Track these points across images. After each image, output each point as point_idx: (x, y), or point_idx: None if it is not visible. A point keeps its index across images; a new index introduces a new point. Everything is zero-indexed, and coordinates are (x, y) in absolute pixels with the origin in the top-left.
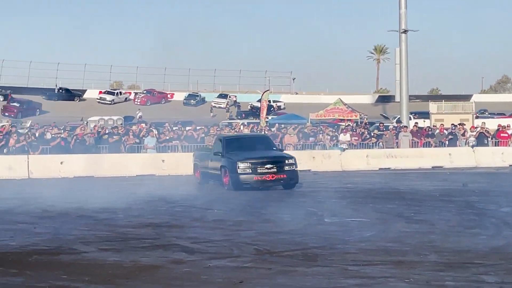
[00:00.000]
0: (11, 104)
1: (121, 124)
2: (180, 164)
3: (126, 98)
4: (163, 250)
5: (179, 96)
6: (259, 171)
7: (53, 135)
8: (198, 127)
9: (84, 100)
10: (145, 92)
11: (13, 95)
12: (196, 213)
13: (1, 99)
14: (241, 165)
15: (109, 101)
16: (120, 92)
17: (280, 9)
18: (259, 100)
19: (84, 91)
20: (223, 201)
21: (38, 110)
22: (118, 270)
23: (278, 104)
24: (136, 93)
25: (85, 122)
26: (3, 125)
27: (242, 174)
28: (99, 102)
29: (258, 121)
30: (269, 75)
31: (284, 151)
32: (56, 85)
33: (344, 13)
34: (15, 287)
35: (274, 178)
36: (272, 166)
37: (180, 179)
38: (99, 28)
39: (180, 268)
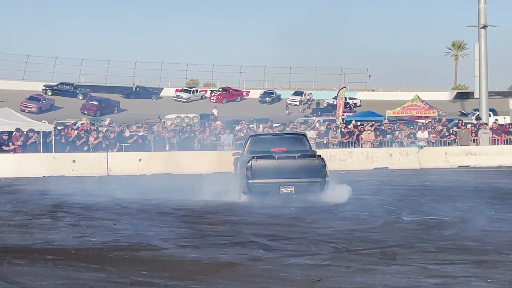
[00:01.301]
0: (90, 102)
1: (197, 121)
2: None
3: (202, 96)
4: (241, 247)
5: (255, 94)
6: None
7: (131, 133)
8: (274, 125)
9: (161, 98)
10: (220, 89)
11: (92, 94)
12: (272, 210)
13: (81, 98)
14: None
15: (186, 99)
16: (196, 90)
17: (356, 5)
18: (335, 98)
19: (161, 89)
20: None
21: (116, 108)
22: (197, 267)
23: (354, 101)
24: (212, 91)
25: (162, 120)
26: (82, 123)
27: None
28: (175, 100)
29: (334, 118)
30: (345, 72)
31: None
32: (133, 84)
33: (422, 8)
34: (98, 283)
35: None
36: None
37: None
38: (177, 25)
39: (259, 266)
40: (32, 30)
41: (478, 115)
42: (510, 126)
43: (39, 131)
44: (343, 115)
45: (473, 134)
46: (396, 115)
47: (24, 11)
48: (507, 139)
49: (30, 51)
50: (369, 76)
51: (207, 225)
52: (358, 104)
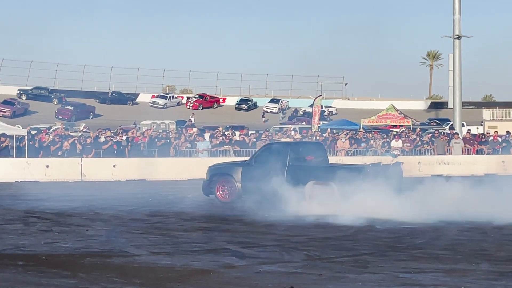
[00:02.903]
0: (65, 107)
1: (174, 128)
2: None
3: (178, 102)
4: (214, 255)
5: (231, 101)
6: None
7: (106, 139)
8: (250, 132)
9: (137, 104)
10: (197, 96)
11: (67, 98)
12: (247, 218)
13: (56, 102)
14: None
15: (162, 105)
16: (173, 96)
17: (332, 14)
18: (311, 105)
19: (137, 95)
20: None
21: (91, 113)
22: (169, 274)
23: (330, 109)
24: (188, 97)
25: (138, 126)
26: (57, 128)
27: None
28: (151, 106)
29: (310, 126)
30: (321, 80)
31: None
32: (109, 89)
33: (397, 18)
34: None
35: None
36: None
37: None
38: (152, 32)
39: (231, 273)
40: (7, 33)
41: (452, 125)
42: (483, 137)
43: (12, 136)
44: (319, 123)
45: (447, 144)
46: (371, 123)
47: None
48: (479, 149)
49: (4, 54)
50: (345, 85)
51: (181, 232)
52: (334, 113)
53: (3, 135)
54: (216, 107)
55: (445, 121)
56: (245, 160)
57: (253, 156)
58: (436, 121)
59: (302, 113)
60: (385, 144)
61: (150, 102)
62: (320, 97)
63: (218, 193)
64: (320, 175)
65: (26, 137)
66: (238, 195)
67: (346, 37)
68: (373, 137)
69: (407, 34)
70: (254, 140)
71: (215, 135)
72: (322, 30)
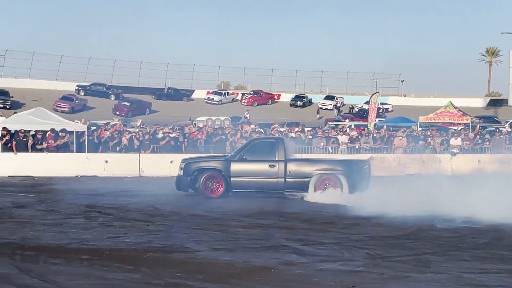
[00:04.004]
0: (122, 103)
1: (228, 124)
2: None
3: (233, 99)
4: (273, 251)
5: (286, 97)
6: None
7: (163, 134)
8: (306, 129)
9: (192, 100)
10: (252, 92)
11: (124, 94)
12: (305, 215)
13: (113, 98)
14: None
15: (217, 101)
16: (228, 93)
17: (389, 10)
18: (367, 102)
19: (192, 91)
20: (333, 205)
21: (147, 109)
22: (231, 270)
23: (386, 106)
24: (243, 94)
25: (194, 122)
26: (114, 124)
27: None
28: (206, 102)
29: (366, 123)
30: (377, 77)
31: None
32: (165, 85)
33: (456, 14)
34: (133, 283)
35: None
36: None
37: None
38: (207, 28)
39: (292, 270)
40: (66, 30)
41: None
42: None
43: (73, 131)
44: (375, 120)
45: (507, 142)
46: (429, 121)
47: (57, 11)
48: None
49: (64, 51)
50: (402, 82)
51: (240, 228)
52: (389, 110)
53: (63, 130)
54: (270, 104)
55: (488, 118)
56: (226, 155)
57: (239, 151)
58: (482, 118)
59: (357, 110)
60: (444, 142)
61: (205, 99)
62: (377, 94)
63: (204, 188)
64: (326, 167)
65: (85, 132)
66: (226, 190)
67: (402, 33)
68: (431, 135)
69: (466, 30)
70: (310, 137)
71: (271, 132)
72: (377, 26)
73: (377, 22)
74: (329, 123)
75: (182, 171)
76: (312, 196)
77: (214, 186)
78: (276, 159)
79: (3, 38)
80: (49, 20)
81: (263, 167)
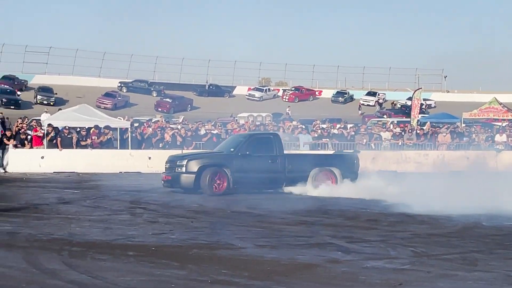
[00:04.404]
0: (164, 99)
1: (270, 120)
2: None
3: (274, 95)
4: (318, 249)
5: (327, 94)
6: (165, 170)
7: (206, 131)
8: (349, 125)
9: (233, 96)
10: (293, 89)
11: (166, 91)
12: (349, 212)
13: (155, 95)
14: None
15: (258, 97)
16: (269, 89)
17: (430, 5)
18: (410, 98)
19: (233, 88)
20: (376, 202)
21: (189, 106)
22: (276, 267)
23: (429, 102)
24: (284, 90)
25: (235, 118)
26: (157, 120)
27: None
28: (248, 98)
29: (409, 119)
30: (419, 72)
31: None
32: (206, 82)
33: (499, 7)
34: (179, 280)
35: (165, 179)
36: (168, 166)
37: None
38: (248, 25)
39: (338, 268)
40: (108, 27)
41: None
42: None
43: (116, 128)
44: (418, 116)
45: None
46: (473, 117)
47: (101, 9)
48: None
49: (106, 48)
50: (445, 77)
51: (284, 225)
52: (432, 106)
53: (107, 127)
54: (312, 100)
55: None
56: (221, 151)
57: (239, 146)
58: None
59: (400, 106)
60: (489, 138)
61: (246, 95)
62: (420, 90)
63: (208, 185)
64: (322, 162)
65: (129, 129)
66: (228, 187)
67: (444, 29)
68: (475, 131)
69: (510, 24)
70: (353, 133)
71: (313, 128)
72: (419, 21)
73: (419, 17)
74: (371, 119)
75: (183, 168)
76: (312, 190)
77: (217, 182)
78: (276, 154)
79: (47, 35)
80: (92, 17)
81: (265, 162)
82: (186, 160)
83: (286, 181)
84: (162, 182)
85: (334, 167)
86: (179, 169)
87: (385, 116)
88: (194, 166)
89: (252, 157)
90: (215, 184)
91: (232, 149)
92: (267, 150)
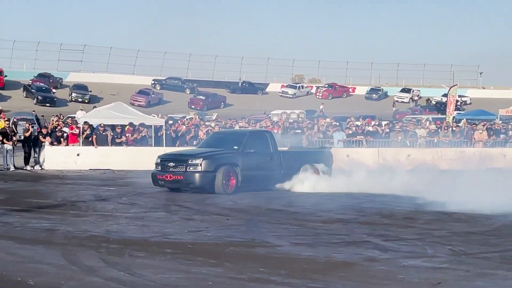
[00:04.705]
0: (197, 97)
1: (303, 118)
2: (363, 159)
3: (307, 92)
4: (355, 247)
5: (361, 90)
6: (165, 169)
7: (240, 128)
8: (383, 122)
9: (266, 93)
10: (326, 86)
11: (199, 88)
12: (384, 210)
13: (188, 92)
14: (156, 161)
15: (291, 94)
16: (302, 86)
17: (466, 0)
18: (445, 95)
19: (266, 85)
20: (410, 199)
21: (222, 103)
22: (313, 265)
23: (464, 99)
24: (317, 87)
25: (269, 115)
26: (191, 118)
27: (154, 170)
28: (281, 95)
29: (444, 116)
30: (454, 69)
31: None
32: (239, 79)
33: None
34: (217, 278)
35: (171, 179)
36: (174, 165)
37: (360, 174)
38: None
39: (375, 266)
40: (141, 25)
41: None
42: None
43: (150, 125)
44: (454, 113)
45: None
46: (509, 114)
47: (133, 7)
48: None
49: (140, 46)
50: (480, 74)
51: (319, 223)
52: (468, 102)
53: (142, 125)
54: (345, 97)
55: None
56: (215, 149)
57: (241, 144)
58: None
59: (435, 103)
60: None
61: (279, 92)
62: (456, 86)
63: (223, 184)
64: (310, 158)
65: (163, 126)
66: (237, 185)
67: (479, 25)
68: None
69: None
70: (388, 130)
71: (347, 125)
72: (454, 17)
73: (454, 13)
74: (406, 116)
75: (199, 167)
76: (302, 186)
77: (229, 181)
78: (272, 151)
79: (81, 33)
80: (126, 15)
81: (266, 159)
82: (201, 159)
83: (282, 177)
84: (161, 182)
85: (318, 163)
86: (192, 168)
87: (416, 113)
88: (211, 165)
89: (255, 155)
90: (228, 183)
91: (236, 147)
92: (265, 148)
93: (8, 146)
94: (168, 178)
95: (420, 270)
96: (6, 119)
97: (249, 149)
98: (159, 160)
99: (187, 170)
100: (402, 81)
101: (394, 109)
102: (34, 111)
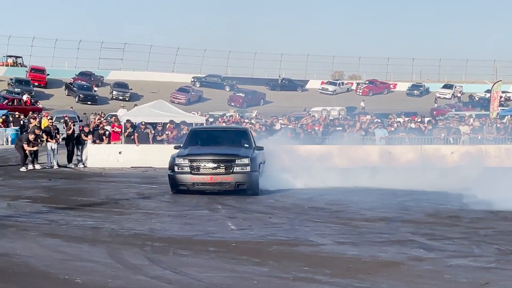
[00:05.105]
0: (236, 94)
1: (344, 114)
2: (404, 156)
3: (348, 89)
4: (400, 246)
5: (402, 86)
6: (201, 170)
7: (281, 126)
8: (426, 119)
9: (306, 90)
10: (367, 82)
11: (239, 86)
12: (428, 208)
13: (228, 89)
14: (177, 161)
15: (331, 91)
16: (342, 83)
17: None
18: (488, 91)
19: (306, 82)
20: (454, 197)
21: (262, 100)
22: (358, 265)
23: (508, 95)
24: (358, 84)
25: (309, 112)
26: (231, 115)
27: (179, 173)
28: (321, 92)
29: (488, 113)
30: (498, 64)
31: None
32: (279, 76)
33: None
34: (261, 277)
35: (216, 180)
36: (216, 165)
37: (405, 172)
38: (319, 18)
39: (421, 266)
40: (181, 23)
41: None
42: None
43: (191, 123)
44: (498, 109)
45: None
46: None
47: (171, 4)
48: None
49: (179, 43)
50: None
51: (363, 222)
52: (511, 98)
53: (183, 123)
54: (386, 93)
55: None
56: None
57: (249, 141)
58: None
59: (477, 99)
60: None
61: (319, 89)
62: (499, 82)
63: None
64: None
65: (204, 124)
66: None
67: None
68: None
69: None
70: (430, 127)
71: (390, 123)
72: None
73: (496, 7)
74: (449, 113)
75: (248, 167)
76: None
77: None
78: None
79: (122, 32)
80: (165, 13)
81: (262, 157)
82: (248, 159)
83: (260, 174)
84: (198, 185)
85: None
86: (240, 168)
87: (453, 110)
88: (256, 164)
89: (260, 153)
90: None
91: (246, 145)
92: (256, 145)
93: (52, 144)
94: (211, 180)
95: (467, 270)
96: (49, 117)
97: (257, 146)
98: (185, 161)
99: (234, 171)
100: (444, 77)
101: (436, 105)
102: (72, 107)
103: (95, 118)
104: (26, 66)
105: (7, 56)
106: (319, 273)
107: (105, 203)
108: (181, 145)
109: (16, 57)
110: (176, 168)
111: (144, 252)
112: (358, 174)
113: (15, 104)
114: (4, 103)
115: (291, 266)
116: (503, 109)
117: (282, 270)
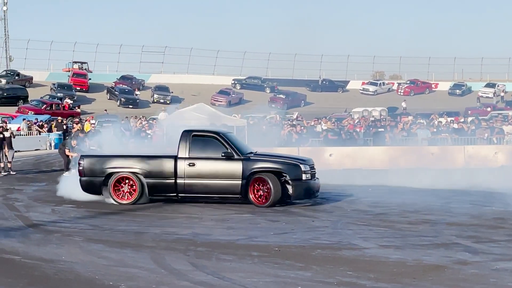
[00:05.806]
0: (277, 95)
1: (385, 115)
2: (447, 157)
3: (389, 89)
4: (445, 249)
5: (444, 86)
6: None
7: (323, 128)
8: (469, 118)
9: (347, 91)
10: (408, 82)
11: (279, 87)
12: (473, 210)
13: (268, 91)
14: None
15: (372, 92)
16: (383, 83)
17: None
18: None
19: (347, 82)
20: (499, 198)
21: (302, 101)
22: (402, 269)
23: None
24: (399, 84)
25: (349, 113)
26: (271, 117)
27: None
28: (362, 93)
29: None
30: None
31: None
32: (319, 77)
33: None
34: (305, 282)
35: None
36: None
37: (446, 173)
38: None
39: (466, 270)
40: (221, 26)
41: None
42: None
43: (233, 126)
44: None
45: None
46: None
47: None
48: None
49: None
50: None
51: (406, 224)
52: None
53: (224, 126)
54: (428, 93)
55: None
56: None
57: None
58: None
59: None
60: None
61: (360, 89)
62: None
63: (252, 196)
64: None
65: (246, 127)
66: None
67: None
68: None
69: None
70: (473, 128)
71: (431, 123)
72: None
73: None
74: (492, 112)
75: (309, 174)
76: None
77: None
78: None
79: (162, 35)
80: (204, 16)
81: None
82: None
83: None
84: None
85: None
86: (306, 176)
87: (488, 109)
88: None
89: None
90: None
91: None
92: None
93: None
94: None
95: None
96: (92, 122)
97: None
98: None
99: (304, 179)
100: (486, 75)
101: (478, 104)
102: (105, 110)
103: (136, 122)
104: (91, 72)
105: (72, 62)
106: (363, 278)
107: (148, 207)
108: None
109: (82, 62)
110: None
111: (187, 257)
112: (398, 174)
113: (53, 108)
114: (43, 107)
115: (335, 270)
116: None
117: (325, 275)
